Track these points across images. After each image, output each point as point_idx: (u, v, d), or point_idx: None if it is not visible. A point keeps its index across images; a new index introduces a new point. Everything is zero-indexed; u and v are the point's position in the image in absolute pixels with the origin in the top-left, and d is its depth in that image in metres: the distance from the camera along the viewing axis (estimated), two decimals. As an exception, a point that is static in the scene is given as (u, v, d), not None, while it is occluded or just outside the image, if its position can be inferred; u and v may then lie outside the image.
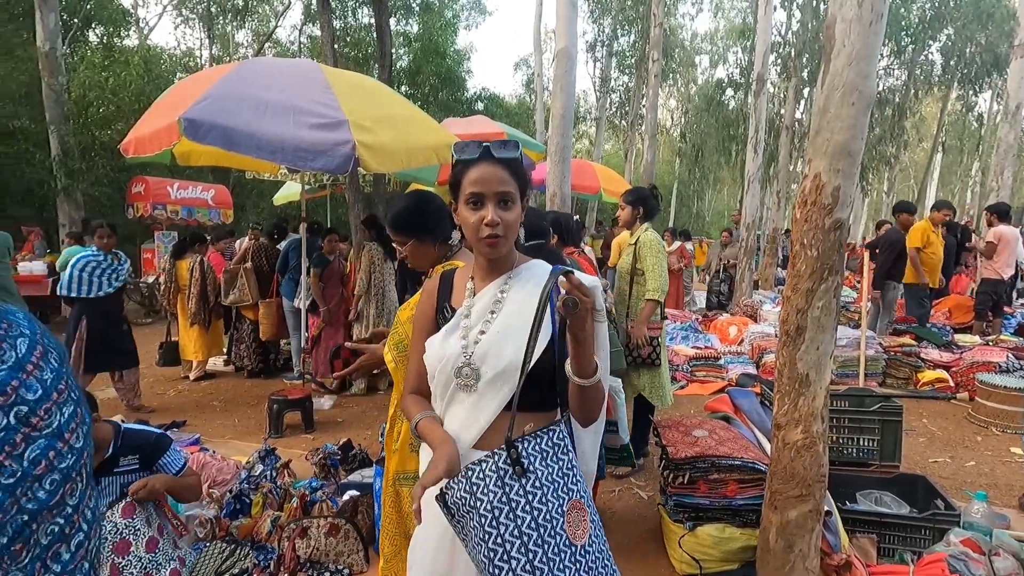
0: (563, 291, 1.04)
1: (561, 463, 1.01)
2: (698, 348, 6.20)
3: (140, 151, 4.01)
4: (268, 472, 3.10)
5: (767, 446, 2.71)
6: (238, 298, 5.60)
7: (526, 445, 0.99)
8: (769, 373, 5.33)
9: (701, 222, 32.81)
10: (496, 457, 0.98)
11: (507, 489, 0.94)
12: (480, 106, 18.35)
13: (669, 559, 2.56)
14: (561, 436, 1.03)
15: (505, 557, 0.91)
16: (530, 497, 0.94)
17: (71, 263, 4.46)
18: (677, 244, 8.88)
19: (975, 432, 4.30)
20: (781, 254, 11.99)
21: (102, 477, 2.08)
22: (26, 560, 0.49)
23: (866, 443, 2.83)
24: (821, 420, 1.82)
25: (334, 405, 4.97)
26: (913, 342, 5.51)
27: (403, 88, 16.87)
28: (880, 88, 16.05)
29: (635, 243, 3.48)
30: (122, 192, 10.77)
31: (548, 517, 0.95)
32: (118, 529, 1.94)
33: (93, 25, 14.28)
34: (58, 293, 4.69)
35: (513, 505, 0.93)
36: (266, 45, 19.18)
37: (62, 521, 0.52)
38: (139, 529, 1.98)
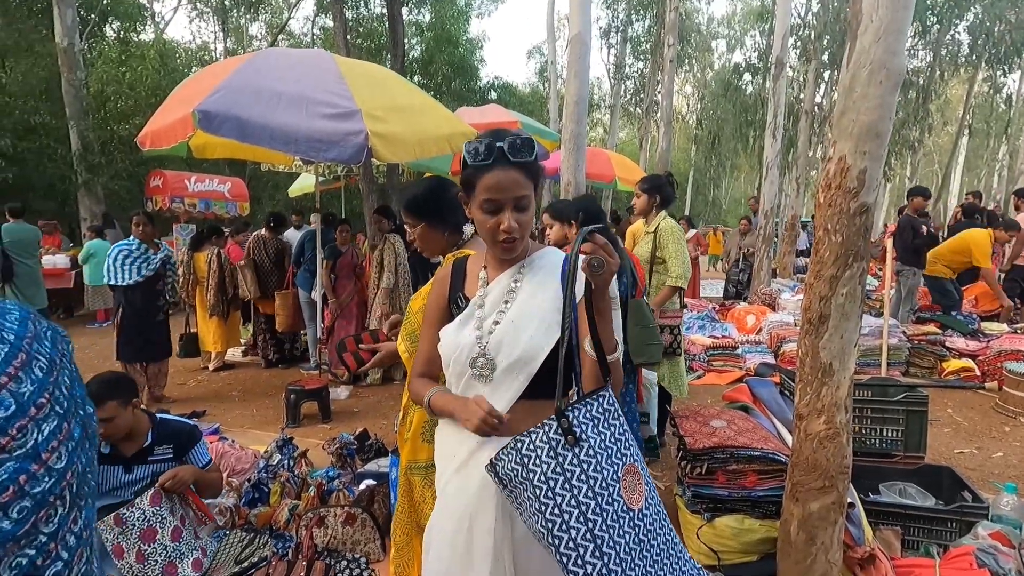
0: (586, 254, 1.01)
1: (613, 428, 0.98)
2: (715, 337, 6.12)
3: (156, 144, 4.04)
4: (286, 461, 3.12)
5: (787, 436, 2.67)
6: (242, 293, 5.66)
7: (576, 413, 0.97)
8: (788, 362, 5.25)
9: (717, 210, 32.40)
10: (547, 428, 0.96)
11: (560, 459, 0.93)
12: (493, 95, 18.23)
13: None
14: (611, 401, 1.00)
15: (564, 527, 0.90)
16: (585, 466, 0.93)
17: (108, 253, 4.58)
18: (693, 232, 8.77)
19: (1003, 422, 4.19)
20: (808, 242, 11.79)
21: (135, 465, 2.12)
22: None
23: (890, 434, 2.76)
24: (845, 410, 1.77)
25: (350, 395, 5.00)
26: (938, 330, 5.37)
27: (416, 78, 16.81)
28: (904, 70, 15.60)
29: (654, 231, 3.43)
30: (141, 186, 10.92)
31: (604, 485, 0.94)
32: (146, 516, 1.97)
33: (110, 20, 14.43)
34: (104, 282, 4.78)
35: (568, 475, 0.92)
36: (279, 37, 19.22)
37: (32, 552, 0.46)
38: (165, 518, 2.01)
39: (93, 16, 13.54)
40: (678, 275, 3.25)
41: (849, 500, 1.96)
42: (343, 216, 8.02)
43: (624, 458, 0.96)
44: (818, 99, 14.28)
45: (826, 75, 14.72)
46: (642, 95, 20.59)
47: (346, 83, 4.01)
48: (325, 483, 2.87)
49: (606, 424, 0.96)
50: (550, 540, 0.92)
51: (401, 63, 9.00)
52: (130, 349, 4.54)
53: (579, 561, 0.89)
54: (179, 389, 5.28)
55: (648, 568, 0.94)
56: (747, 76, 18.48)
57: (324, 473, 3.06)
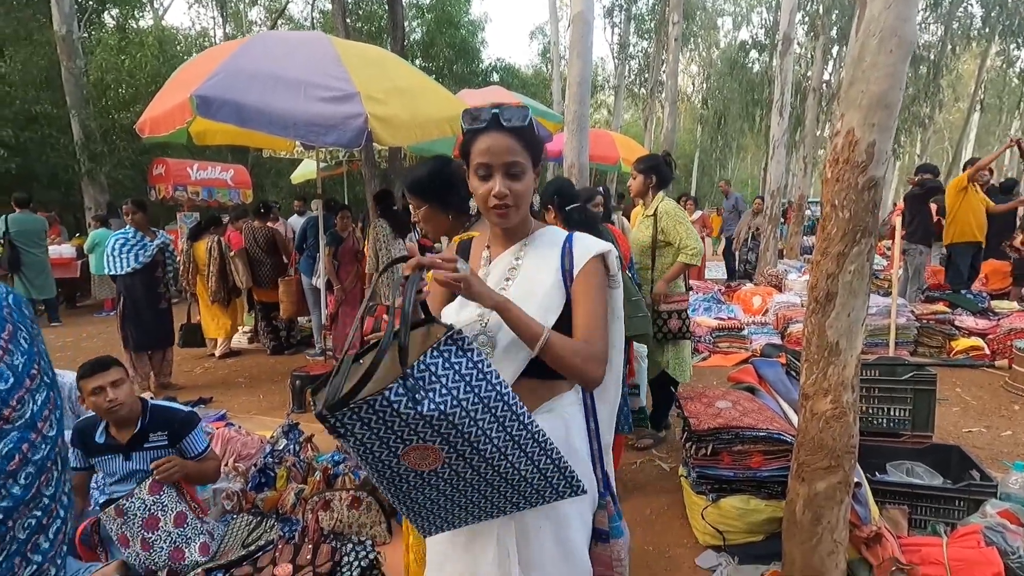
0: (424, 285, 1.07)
1: (394, 421, 0.92)
2: (720, 319, 6.08)
3: (155, 130, 4.00)
4: (292, 446, 3.14)
5: (793, 417, 2.64)
6: (235, 282, 5.66)
7: (341, 418, 0.91)
8: (795, 343, 5.21)
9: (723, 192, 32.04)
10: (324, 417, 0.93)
11: (341, 436, 0.95)
12: (496, 77, 18.00)
13: (692, 530, 2.54)
14: (383, 403, 0.89)
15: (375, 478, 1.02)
16: (360, 449, 0.96)
17: (106, 243, 4.58)
18: (699, 213, 8.67)
19: (1012, 401, 4.15)
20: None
21: (133, 452, 2.12)
22: (2, 558, 0.46)
23: (897, 413, 2.74)
24: (851, 390, 1.74)
25: (356, 380, 5.01)
26: (947, 309, 5.31)
27: (417, 61, 16.61)
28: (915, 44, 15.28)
29: (653, 214, 3.37)
30: (145, 174, 10.90)
31: (384, 464, 0.98)
32: (147, 505, 1.98)
33: (108, 7, 14.29)
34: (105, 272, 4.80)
35: (349, 447, 0.97)
36: (279, 21, 19.01)
37: (39, 513, 0.50)
38: (167, 505, 2.02)
39: (91, 3, 13.41)
40: (693, 252, 3.19)
41: (855, 479, 1.94)
42: (345, 202, 7.98)
43: (407, 442, 0.95)
44: (826, 76, 14.02)
45: (834, 51, 14.42)
46: (646, 75, 20.29)
47: (344, 65, 3.95)
48: (331, 467, 2.89)
49: (379, 422, 0.92)
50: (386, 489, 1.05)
51: (401, 45, 8.87)
52: (134, 338, 4.56)
53: (384, 492, 1.05)
54: (185, 376, 5.32)
55: (469, 497, 1.05)
56: (754, 53, 18.14)
57: (330, 457, 3.07)
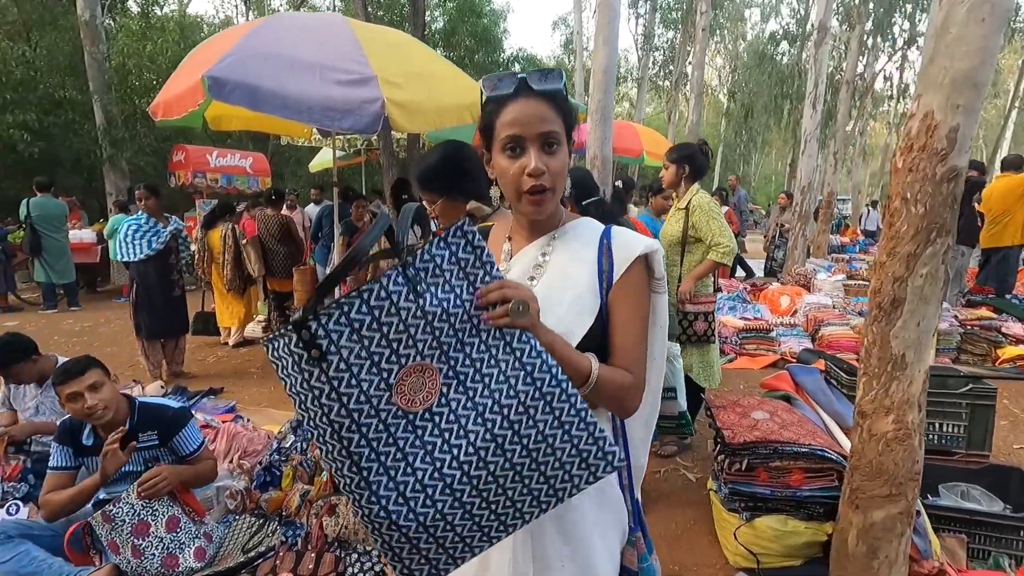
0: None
1: (386, 328, 0.79)
2: (747, 319, 5.84)
3: (168, 113, 3.90)
4: (299, 444, 3.01)
5: (836, 430, 2.44)
6: (248, 271, 5.55)
7: (324, 321, 0.77)
8: (827, 347, 4.96)
9: (747, 187, 31.42)
10: (286, 339, 0.78)
11: (307, 375, 0.78)
12: (517, 67, 17.75)
13: (721, 550, 2.35)
14: (382, 295, 0.78)
15: (322, 440, 0.80)
16: (335, 383, 0.78)
17: (118, 229, 4.52)
18: (725, 208, 8.39)
19: (1065, 415, 3.87)
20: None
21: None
22: None
23: (951, 429, 2.52)
24: (918, 408, 1.54)
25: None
26: (992, 315, 5.01)
27: (438, 50, 16.41)
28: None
29: (685, 207, 3.16)
30: (166, 161, 10.93)
31: (363, 399, 0.79)
32: (136, 511, 1.86)
33: (133, -7, 14.34)
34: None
35: (317, 393, 0.78)
36: (301, 9, 18.95)
37: None
38: (157, 510, 1.89)
39: (116, -11, 13.47)
40: (725, 251, 2.96)
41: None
42: (363, 191, 7.87)
43: (403, 359, 0.80)
44: (859, 69, 13.51)
45: (869, 43, 13.88)
46: (671, 67, 19.84)
47: (362, 48, 3.80)
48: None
49: (373, 326, 0.78)
50: (320, 446, 0.82)
51: (422, 34, 8.72)
52: (147, 325, 4.49)
53: (339, 474, 0.80)
54: (198, 365, 5.25)
55: (463, 483, 0.81)
56: (784, 45, 17.60)
57: (338, 456, 2.94)
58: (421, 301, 0.79)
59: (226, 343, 5.85)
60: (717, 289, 3.22)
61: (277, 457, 2.90)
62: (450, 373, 0.82)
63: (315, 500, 2.48)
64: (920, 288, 1.48)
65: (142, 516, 1.85)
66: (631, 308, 1.01)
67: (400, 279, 0.79)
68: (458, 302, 0.81)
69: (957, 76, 1.38)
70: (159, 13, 14.39)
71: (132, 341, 4.83)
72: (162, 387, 4.33)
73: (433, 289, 0.80)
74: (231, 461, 2.89)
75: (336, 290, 0.97)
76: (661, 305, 1.09)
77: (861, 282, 7.32)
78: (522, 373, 0.81)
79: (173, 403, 2.17)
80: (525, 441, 0.82)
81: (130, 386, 4.30)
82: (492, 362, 0.82)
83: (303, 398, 0.79)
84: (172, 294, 4.61)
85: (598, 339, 0.99)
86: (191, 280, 6.43)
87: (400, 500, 0.80)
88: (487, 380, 0.82)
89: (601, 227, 1.08)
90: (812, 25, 14.05)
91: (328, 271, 5.30)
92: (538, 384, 0.81)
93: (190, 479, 2.06)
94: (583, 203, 2.41)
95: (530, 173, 0.95)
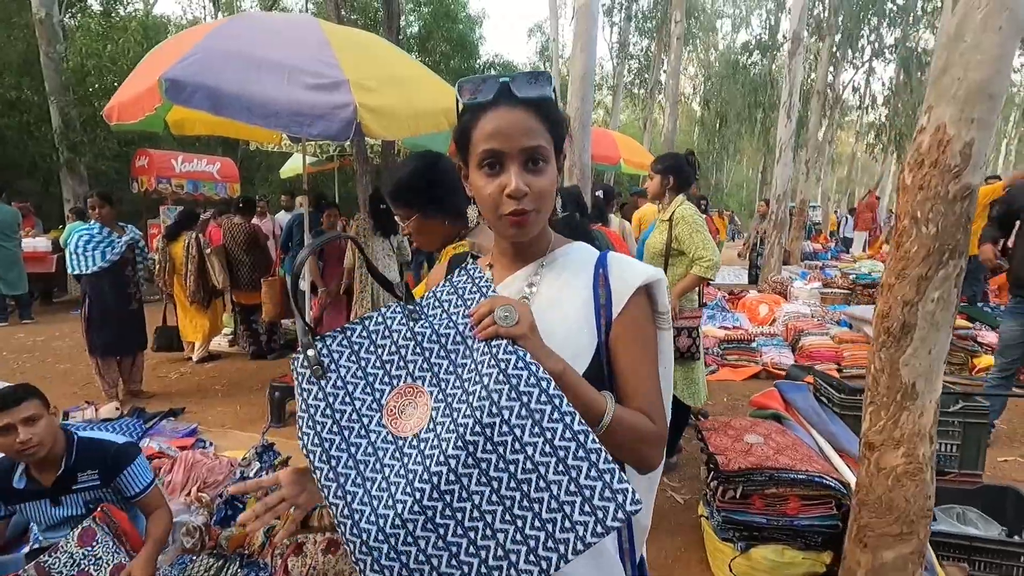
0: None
1: (381, 350, 0.83)
2: (727, 328, 5.81)
3: (124, 117, 3.67)
4: (264, 472, 2.81)
5: (831, 453, 2.36)
6: (212, 281, 5.30)
7: (329, 342, 0.84)
8: (808, 357, 4.95)
9: (720, 194, 31.93)
10: (300, 359, 0.83)
11: (307, 392, 0.81)
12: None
13: (715, 580, 2.24)
14: (381, 321, 0.85)
15: (315, 461, 0.79)
16: (331, 399, 0.80)
17: (67, 240, 4.23)
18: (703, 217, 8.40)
19: (1043, 425, 3.90)
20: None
21: (61, 496, 1.78)
22: None
23: (942, 448, 2.46)
24: (930, 441, 1.45)
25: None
26: (968, 323, 5.05)
27: (413, 54, 16.23)
28: (918, 49, 15.11)
29: (669, 219, 3.07)
30: (128, 166, 10.48)
31: (354, 417, 0.80)
32: (75, 560, 1.65)
33: (94, -9, 13.80)
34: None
35: (313, 410, 0.80)
36: (272, 10, 18.56)
37: None
38: (101, 557, 1.69)
39: (76, -13, 12.93)
40: (708, 265, 2.86)
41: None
42: (336, 199, 7.63)
43: (395, 380, 0.81)
44: (829, 79, 13.78)
45: (838, 54, 14.19)
46: (646, 75, 20.02)
47: (333, 50, 3.62)
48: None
49: (370, 348, 0.83)
50: (313, 465, 0.80)
51: (396, 38, 8.52)
52: (101, 342, 4.20)
53: (329, 497, 0.77)
54: (159, 382, 4.97)
55: (434, 498, 0.71)
56: (756, 55, 17.91)
57: (306, 486, 2.74)
58: (412, 324, 0.83)
59: (190, 358, 5.57)
60: (702, 304, 3.13)
61: (240, 488, 2.70)
62: (439, 396, 0.78)
63: (280, 537, 2.29)
64: (931, 313, 1.39)
65: (83, 566, 1.64)
66: (639, 348, 0.89)
67: (399, 309, 0.85)
68: (450, 323, 0.81)
69: (972, 87, 1.29)
70: (123, 13, 13.89)
71: (88, 357, 4.54)
72: (117, 408, 4.05)
73: (430, 319, 0.84)
74: (188, 494, 2.67)
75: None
76: (666, 343, 0.96)
77: (837, 290, 7.39)
78: (506, 387, 0.71)
79: (118, 438, 1.95)
80: (512, 468, 0.70)
81: (82, 407, 4.02)
82: (476, 378, 0.74)
83: (303, 419, 0.80)
84: (128, 308, 4.33)
85: (596, 384, 0.86)
86: (151, 292, 6.11)
87: (372, 517, 0.73)
88: (471, 399, 0.73)
89: (595, 254, 0.95)
90: (784, 36, 14.31)
91: (300, 285, 5.09)
92: (524, 399, 0.71)
93: (157, 552, 1.82)
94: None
95: (510, 194, 0.82)
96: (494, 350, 0.74)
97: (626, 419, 0.81)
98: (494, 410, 0.70)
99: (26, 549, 2.04)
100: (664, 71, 17.05)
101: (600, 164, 8.96)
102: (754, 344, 5.34)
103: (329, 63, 3.50)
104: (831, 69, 13.64)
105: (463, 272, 0.88)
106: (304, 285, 4.82)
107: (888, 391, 1.47)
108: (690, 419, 3.24)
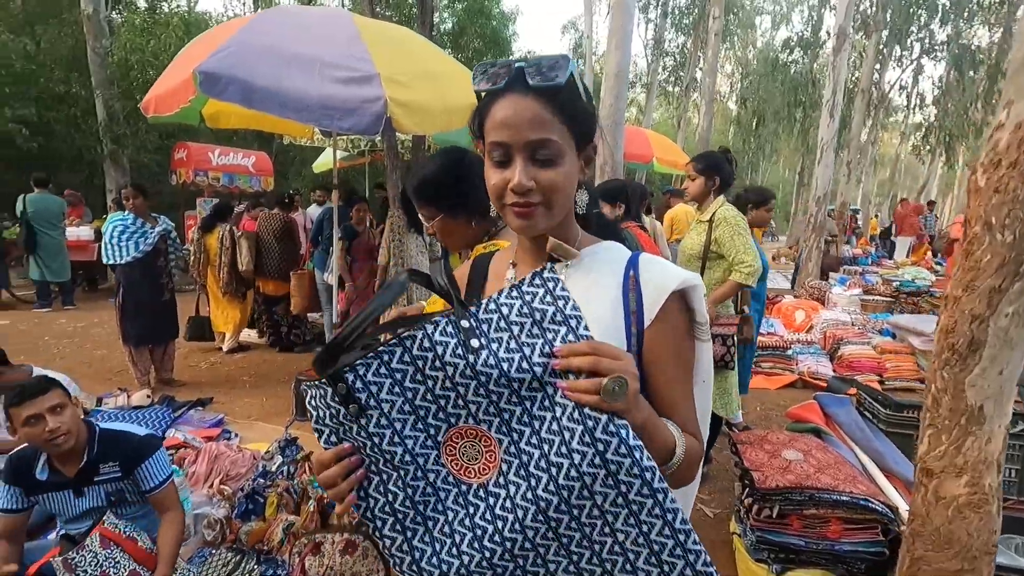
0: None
1: (431, 382, 0.69)
2: (761, 334, 5.60)
3: (160, 110, 3.72)
4: (286, 467, 2.80)
5: (877, 473, 2.21)
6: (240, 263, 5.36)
7: (362, 372, 0.69)
8: (847, 367, 4.73)
9: (755, 195, 31.10)
10: (322, 391, 0.70)
11: (346, 430, 0.71)
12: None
13: (746, 602, 2.12)
14: (425, 345, 0.68)
15: (363, 494, 0.72)
16: (376, 440, 0.70)
17: (104, 230, 4.33)
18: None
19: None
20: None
21: (84, 487, 1.79)
22: None
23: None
24: (997, 470, 1.32)
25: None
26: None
27: (446, 51, 16.26)
28: (972, 46, 14.42)
29: (710, 220, 2.93)
30: (168, 158, 10.76)
31: (408, 459, 0.70)
32: (98, 560, 1.65)
33: (140, -12, 14.21)
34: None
35: (359, 446, 0.71)
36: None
37: None
38: (119, 562, 1.68)
39: (122, -17, 13.33)
40: (749, 271, 2.73)
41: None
42: (367, 195, 7.67)
43: (452, 419, 0.70)
44: (875, 78, 13.27)
45: (885, 51, 13.63)
46: (682, 72, 19.62)
47: (365, 44, 3.60)
48: (327, 497, 2.53)
49: (417, 377, 0.69)
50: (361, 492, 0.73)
51: (430, 35, 8.51)
52: (134, 332, 4.28)
53: (384, 530, 0.72)
54: (190, 371, 5.06)
55: (505, 559, 0.68)
56: (797, 52, 17.35)
57: (328, 483, 2.72)
58: (472, 358, 0.67)
59: (220, 348, 5.65)
60: (739, 311, 2.99)
61: (262, 482, 2.69)
62: (512, 449, 0.69)
63: (299, 533, 2.27)
64: (1004, 329, 1.26)
65: (104, 567, 1.64)
66: (676, 361, 0.82)
67: (450, 329, 0.68)
68: (525, 365, 0.67)
69: (1060, 80, 1.16)
70: (166, 9, 14.27)
71: (122, 345, 4.64)
72: (149, 396, 4.13)
73: (494, 346, 0.68)
74: (211, 486, 2.68)
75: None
76: (705, 355, 0.88)
77: (879, 298, 7.07)
78: (602, 473, 0.65)
79: (139, 429, 1.95)
80: (597, 548, 0.68)
81: (115, 394, 4.11)
82: (564, 450, 0.66)
83: (360, 446, 0.72)
84: (161, 298, 4.41)
85: None
86: (185, 282, 6.23)
87: (435, 560, 0.71)
88: (555, 473, 0.66)
89: (627, 254, 0.87)
90: (828, 32, 13.81)
91: (326, 278, 5.10)
92: (623, 489, 0.65)
93: (168, 555, 1.79)
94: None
95: (513, 188, 0.76)
96: (589, 424, 0.64)
97: (692, 449, 0.77)
98: (585, 493, 0.65)
99: (52, 535, 2.06)
100: (700, 68, 16.69)
101: (633, 163, 8.80)
102: (790, 352, 5.14)
103: (361, 57, 3.48)
104: (877, 67, 13.10)
105: (540, 283, 0.71)
106: (332, 279, 4.84)
107: (951, 413, 1.34)
108: (721, 428, 3.11)
